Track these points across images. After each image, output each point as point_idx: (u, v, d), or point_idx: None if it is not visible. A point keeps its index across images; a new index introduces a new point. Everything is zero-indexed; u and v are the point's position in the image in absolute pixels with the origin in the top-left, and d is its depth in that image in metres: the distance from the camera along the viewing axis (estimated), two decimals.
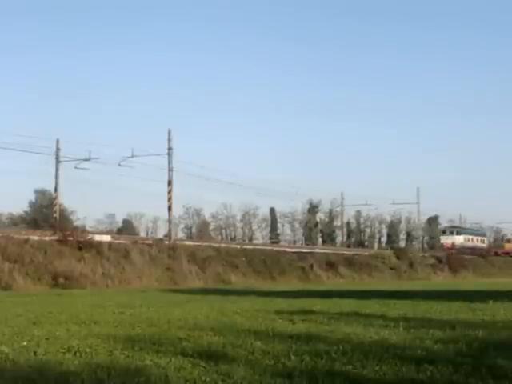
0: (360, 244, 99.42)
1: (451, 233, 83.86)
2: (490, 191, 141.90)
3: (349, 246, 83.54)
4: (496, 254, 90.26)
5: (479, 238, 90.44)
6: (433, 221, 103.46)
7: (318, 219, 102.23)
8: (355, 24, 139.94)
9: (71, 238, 34.26)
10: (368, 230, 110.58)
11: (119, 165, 45.01)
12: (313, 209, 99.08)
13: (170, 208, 44.75)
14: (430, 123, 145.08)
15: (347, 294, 21.42)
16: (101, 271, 33.08)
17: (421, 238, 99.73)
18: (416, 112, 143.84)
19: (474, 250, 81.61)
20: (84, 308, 15.08)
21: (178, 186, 46.70)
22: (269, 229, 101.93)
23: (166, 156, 44.72)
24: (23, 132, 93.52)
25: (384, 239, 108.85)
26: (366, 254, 60.05)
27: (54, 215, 43.62)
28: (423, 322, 10.92)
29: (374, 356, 7.04)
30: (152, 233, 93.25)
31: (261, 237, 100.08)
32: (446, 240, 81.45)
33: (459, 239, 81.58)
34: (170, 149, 44.89)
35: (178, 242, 42.88)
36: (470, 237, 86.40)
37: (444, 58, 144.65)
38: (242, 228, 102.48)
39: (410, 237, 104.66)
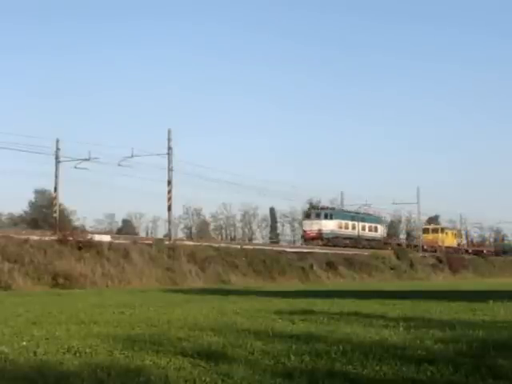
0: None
1: (317, 216, 61.12)
2: (490, 191, 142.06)
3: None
4: (398, 246, 70.19)
5: (368, 224, 65.49)
6: (433, 221, 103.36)
7: None
8: (355, 23, 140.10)
9: (71, 238, 34.26)
10: None
11: (119, 165, 45.02)
12: (313, 209, 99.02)
13: (169, 208, 44.76)
14: (430, 123, 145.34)
15: (347, 294, 21.41)
16: (101, 271, 33.07)
17: (421, 238, 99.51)
18: (416, 112, 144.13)
19: (355, 242, 62.02)
20: (84, 308, 15.06)
21: (177, 186, 46.74)
22: (269, 229, 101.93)
23: (166, 156, 44.75)
24: (23, 132, 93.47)
25: None
26: (366, 253, 60.05)
27: (54, 215, 43.55)
28: (423, 322, 10.92)
29: (374, 356, 7.03)
30: (152, 233, 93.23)
31: (261, 237, 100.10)
32: (311, 226, 60.30)
33: (329, 225, 60.09)
34: (169, 149, 44.90)
35: (177, 242, 42.87)
36: (351, 223, 62.86)
37: (444, 57, 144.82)
38: (242, 228, 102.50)
39: (410, 237, 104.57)
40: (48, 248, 32.45)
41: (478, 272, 71.00)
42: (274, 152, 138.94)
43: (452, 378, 6.01)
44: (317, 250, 55.45)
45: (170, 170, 44.50)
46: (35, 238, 33.21)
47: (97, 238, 36.24)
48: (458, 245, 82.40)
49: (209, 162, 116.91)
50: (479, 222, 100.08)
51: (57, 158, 42.96)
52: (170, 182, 44.38)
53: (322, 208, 64.13)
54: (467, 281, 57.07)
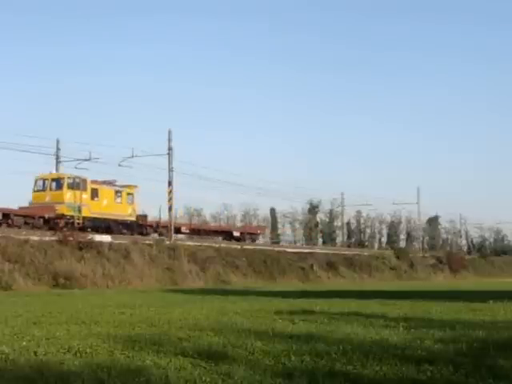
0: (360, 244, 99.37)
1: None
2: (490, 191, 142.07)
3: (349, 246, 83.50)
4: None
5: None
6: (433, 221, 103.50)
7: (318, 219, 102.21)
8: (355, 22, 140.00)
9: (71, 239, 34.23)
10: (368, 230, 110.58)
11: (119, 165, 45.01)
12: (313, 209, 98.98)
13: (170, 208, 44.75)
14: (429, 123, 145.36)
15: (347, 294, 21.42)
16: (101, 271, 33.07)
17: (421, 238, 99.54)
18: (416, 112, 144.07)
19: None
20: (84, 308, 15.07)
21: (178, 187, 46.76)
22: (269, 229, 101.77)
23: (167, 156, 44.78)
24: (23, 132, 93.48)
25: (384, 239, 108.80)
26: (367, 254, 60.10)
27: None
28: (423, 322, 10.92)
29: (374, 356, 7.03)
30: None
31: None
32: None
33: None
34: (170, 149, 44.93)
35: (178, 242, 42.87)
36: None
37: (444, 57, 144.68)
38: None
39: (410, 237, 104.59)
40: (48, 248, 32.44)
41: (478, 272, 71.07)
42: (275, 152, 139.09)
43: (452, 378, 6.01)
44: (317, 250, 55.48)
45: (170, 170, 44.54)
46: (35, 238, 33.19)
47: (97, 238, 36.22)
48: (143, 219, 43.18)
49: (209, 162, 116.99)
50: (479, 222, 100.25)
51: (57, 158, 43.04)
52: (170, 183, 44.41)
53: None
54: (467, 281, 57.06)
